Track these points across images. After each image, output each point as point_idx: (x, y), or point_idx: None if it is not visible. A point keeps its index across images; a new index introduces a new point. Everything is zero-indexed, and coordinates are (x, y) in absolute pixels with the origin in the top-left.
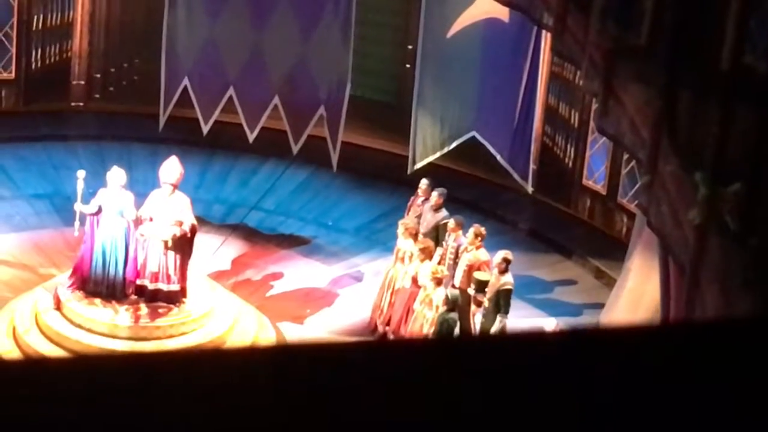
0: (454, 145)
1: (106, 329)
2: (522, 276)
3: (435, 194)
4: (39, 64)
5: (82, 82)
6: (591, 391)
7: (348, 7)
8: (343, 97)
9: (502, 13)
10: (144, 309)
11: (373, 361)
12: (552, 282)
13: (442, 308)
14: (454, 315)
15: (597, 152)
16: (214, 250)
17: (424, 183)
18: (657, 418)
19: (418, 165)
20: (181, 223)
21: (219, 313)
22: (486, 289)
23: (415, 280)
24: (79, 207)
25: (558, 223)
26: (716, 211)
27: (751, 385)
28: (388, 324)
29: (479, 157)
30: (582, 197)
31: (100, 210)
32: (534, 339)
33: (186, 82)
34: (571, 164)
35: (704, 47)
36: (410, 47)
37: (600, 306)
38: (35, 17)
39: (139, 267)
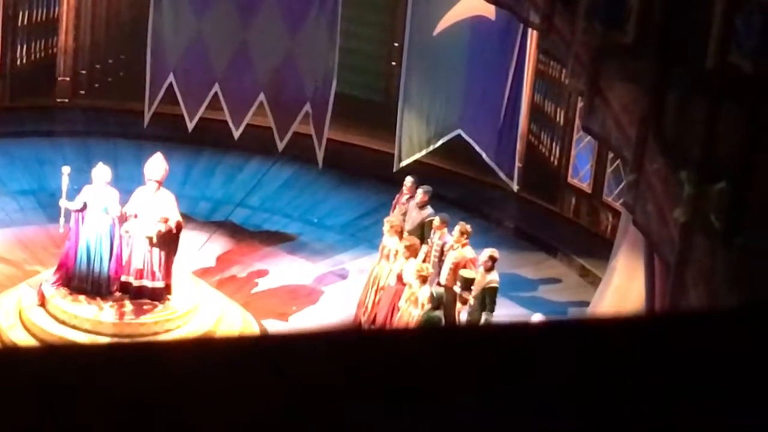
0: (439, 143)
1: (90, 326)
2: (507, 274)
3: (420, 192)
4: (24, 60)
5: (68, 79)
6: (578, 381)
7: (334, 4)
8: (329, 94)
9: (489, 11)
10: (128, 306)
11: (361, 351)
12: (537, 280)
13: (428, 306)
14: (440, 313)
15: (582, 150)
16: (199, 247)
17: (409, 180)
18: (642, 409)
19: (404, 162)
20: (166, 220)
21: (204, 310)
22: (472, 287)
23: (400, 278)
24: (64, 203)
25: (543, 222)
26: (701, 210)
27: (735, 375)
28: (373, 322)
29: (465, 155)
30: (567, 195)
31: (85, 206)
32: (521, 329)
33: (171, 78)
34: (556, 162)
35: (690, 46)
36: (396, 44)
37: (585, 304)
38: (21, 13)
39: (123, 264)
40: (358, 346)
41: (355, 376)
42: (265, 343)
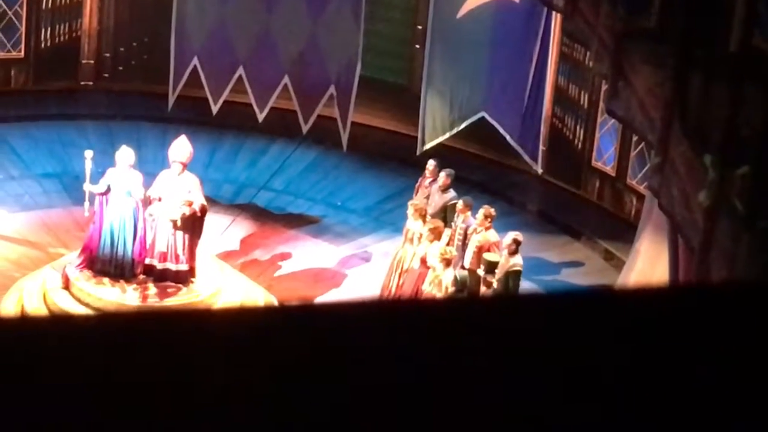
0: (463, 125)
1: (114, 308)
2: (530, 257)
3: (442, 175)
4: (48, 43)
5: (92, 62)
6: (599, 352)
7: None
8: (353, 77)
9: None
10: (152, 288)
11: (379, 322)
12: (560, 263)
13: (451, 289)
14: (463, 296)
15: (606, 133)
16: (223, 230)
17: (431, 164)
18: (665, 381)
19: (428, 146)
20: (190, 203)
21: (227, 294)
22: (495, 270)
23: (423, 261)
24: (88, 187)
25: (567, 205)
26: (725, 194)
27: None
28: None
29: (489, 138)
30: (591, 178)
31: (108, 189)
32: (542, 300)
33: (195, 61)
34: (580, 145)
35: (714, 30)
36: (420, 27)
37: None
38: None
39: (147, 247)
40: (383, 315)
41: (378, 344)
42: (289, 312)
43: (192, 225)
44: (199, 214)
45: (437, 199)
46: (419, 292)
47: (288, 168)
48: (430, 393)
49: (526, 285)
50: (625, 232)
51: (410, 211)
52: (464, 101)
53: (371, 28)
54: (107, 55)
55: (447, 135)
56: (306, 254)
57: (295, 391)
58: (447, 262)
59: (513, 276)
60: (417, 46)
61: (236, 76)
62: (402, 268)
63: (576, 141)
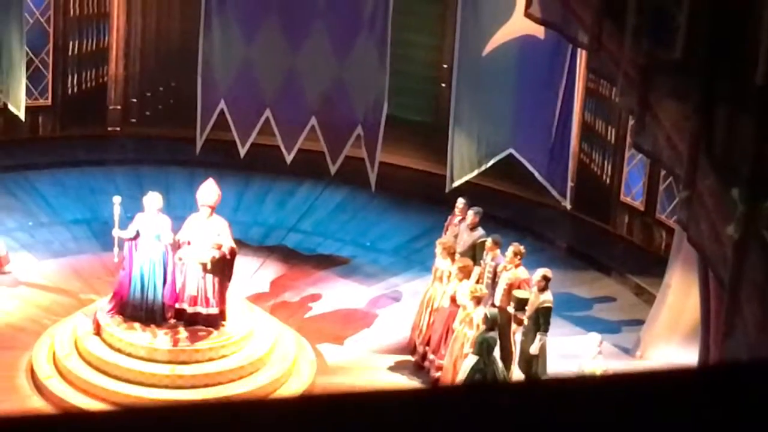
0: (491, 162)
1: (145, 353)
2: (561, 293)
3: (471, 213)
4: (75, 90)
5: (119, 107)
6: None
7: (383, 27)
8: (380, 117)
9: (538, 30)
10: (183, 332)
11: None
12: (591, 299)
13: (482, 327)
14: (494, 334)
15: (634, 168)
16: (253, 273)
17: (460, 202)
18: None
19: (456, 184)
20: (220, 246)
21: (258, 336)
22: (526, 308)
23: (453, 300)
24: (117, 233)
25: (596, 240)
26: (754, 227)
27: None
28: (427, 344)
29: (517, 174)
30: (620, 213)
31: (137, 235)
32: (570, 384)
33: (222, 105)
34: (608, 181)
35: (739, 62)
36: (446, 66)
37: (639, 323)
38: (71, 43)
39: (177, 291)
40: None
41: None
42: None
43: (222, 268)
44: (228, 257)
45: (466, 238)
46: (450, 330)
47: (316, 209)
48: None
49: (557, 321)
50: (655, 266)
51: (438, 249)
52: (491, 138)
53: (397, 67)
54: (134, 100)
55: (475, 172)
56: (336, 295)
57: None
58: (477, 300)
59: (543, 312)
60: (443, 84)
61: (263, 118)
62: (432, 306)
63: (604, 176)
